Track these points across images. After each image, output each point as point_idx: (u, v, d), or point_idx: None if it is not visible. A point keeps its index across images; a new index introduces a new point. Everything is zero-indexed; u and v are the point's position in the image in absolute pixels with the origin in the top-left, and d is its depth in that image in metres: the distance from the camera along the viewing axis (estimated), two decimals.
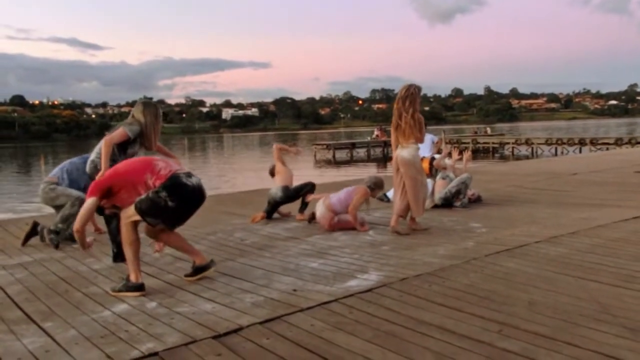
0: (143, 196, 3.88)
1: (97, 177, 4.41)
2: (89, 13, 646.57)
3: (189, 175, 4.00)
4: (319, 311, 3.36)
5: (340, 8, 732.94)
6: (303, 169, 27.19)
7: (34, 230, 5.83)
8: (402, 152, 5.64)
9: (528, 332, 2.89)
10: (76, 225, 3.91)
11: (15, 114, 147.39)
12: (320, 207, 6.07)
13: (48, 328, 3.29)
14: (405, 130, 5.60)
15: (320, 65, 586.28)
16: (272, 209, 6.85)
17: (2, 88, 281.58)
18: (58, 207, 5.87)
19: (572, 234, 5.19)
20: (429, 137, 8.41)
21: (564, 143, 34.87)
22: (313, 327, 3.10)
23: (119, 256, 4.68)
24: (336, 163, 35.86)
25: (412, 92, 5.57)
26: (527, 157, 32.10)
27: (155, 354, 2.83)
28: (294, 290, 3.82)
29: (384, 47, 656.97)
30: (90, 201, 3.88)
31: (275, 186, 6.78)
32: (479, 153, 38.13)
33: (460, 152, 8.03)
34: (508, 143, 37.95)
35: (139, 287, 3.89)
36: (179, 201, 3.89)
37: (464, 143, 39.30)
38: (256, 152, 57.72)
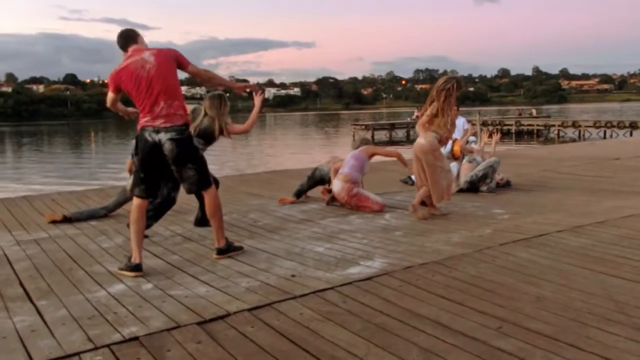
0: None
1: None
2: None
3: (156, 131, 3.89)
4: (312, 299, 3.22)
5: None
6: (341, 150, 27.02)
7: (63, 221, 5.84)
8: (419, 140, 5.54)
9: (529, 330, 2.68)
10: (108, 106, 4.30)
11: (68, 92, 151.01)
12: (336, 182, 6.08)
13: (41, 307, 3.26)
14: (429, 118, 5.49)
15: (364, 45, 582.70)
16: (310, 187, 6.70)
17: (56, 67, 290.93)
18: None
19: (600, 223, 4.87)
20: (461, 121, 8.15)
21: (614, 126, 33.61)
22: (302, 316, 2.96)
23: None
24: (375, 144, 35.38)
25: (449, 87, 5.38)
26: (573, 141, 31.03)
27: (136, 338, 2.76)
28: (292, 275, 3.68)
29: (429, 26, 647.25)
30: (108, 94, 4.15)
31: (328, 166, 6.62)
32: (522, 135, 37.14)
33: (490, 135, 7.72)
34: (554, 125, 36.77)
35: (134, 268, 3.83)
36: (139, 156, 4.01)
37: (507, 125, 38.35)
38: (297, 131, 57.74)
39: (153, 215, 4.96)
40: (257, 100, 5.03)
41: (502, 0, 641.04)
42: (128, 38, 4.06)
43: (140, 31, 4.15)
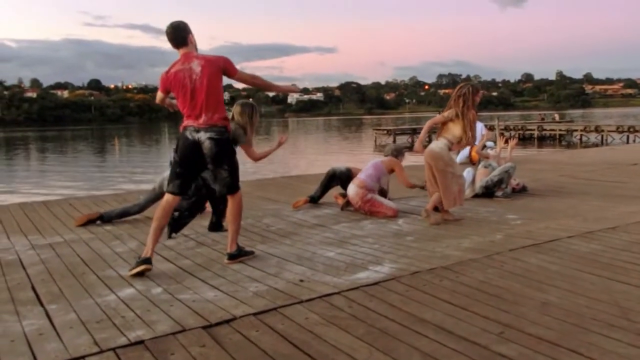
0: None
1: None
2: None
3: (197, 130, 4.05)
4: (318, 304, 3.25)
5: None
6: (362, 154, 27.02)
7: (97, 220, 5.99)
8: (430, 145, 5.59)
9: (531, 336, 2.68)
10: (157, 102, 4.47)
11: (92, 98, 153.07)
12: (351, 187, 6.13)
13: (51, 310, 3.32)
14: (445, 120, 5.55)
15: (386, 50, 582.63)
16: (326, 186, 6.72)
17: (80, 73, 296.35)
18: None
19: (612, 229, 4.82)
20: (479, 126, 8.13)
21: (637, 131, 33.04)
22: (307, 321, 2.99)
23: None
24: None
25: (465, 92, 5.47)
26: (596, 145, 30.60)
27: (141, 342, 2.80)
28: (301, 280, 3.71)
29: (452, 31, 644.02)
30: (158, 93, 4.35)
31: (342, 165, 6.84)
32: (544, 140, 36.73)
33: (506, 140, 7.68)
34: (576, 130, 36.29)
35: (144, 261, 3.94)
36: (179, 153, 4.16)
37: (529, 130, 37.98)
38: (319, 136, 57.81)
39: (189, 214, 5.15)
40: (278, 142, 5.41)
41: (525, 5, 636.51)
42: (180, 37, 4.10)
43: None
